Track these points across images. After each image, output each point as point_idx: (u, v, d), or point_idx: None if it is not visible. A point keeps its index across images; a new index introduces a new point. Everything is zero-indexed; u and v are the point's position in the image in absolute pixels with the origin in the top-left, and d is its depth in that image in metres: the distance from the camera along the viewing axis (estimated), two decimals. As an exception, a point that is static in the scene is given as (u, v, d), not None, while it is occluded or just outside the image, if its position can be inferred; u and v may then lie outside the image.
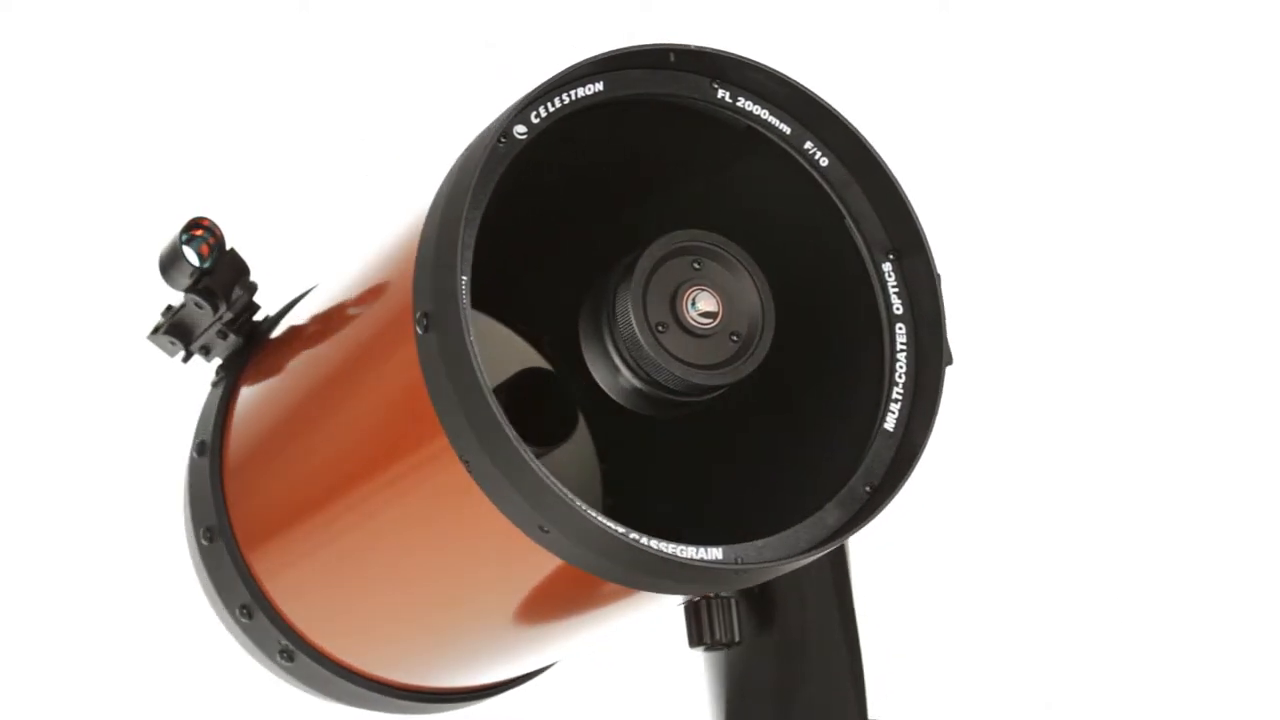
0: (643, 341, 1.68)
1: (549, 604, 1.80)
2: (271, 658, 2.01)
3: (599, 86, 1.70)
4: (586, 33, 3.33)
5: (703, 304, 1.71)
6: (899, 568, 3.00)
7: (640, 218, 1.81)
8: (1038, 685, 3.16)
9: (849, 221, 1.80)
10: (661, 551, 1.63)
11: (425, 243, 1.65)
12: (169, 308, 2.04)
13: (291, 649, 1.99)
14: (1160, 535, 3.19)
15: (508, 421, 1.57)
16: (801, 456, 1.82)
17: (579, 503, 1.58)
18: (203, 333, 2.02)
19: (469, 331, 1.58)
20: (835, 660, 1.87)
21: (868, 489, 1.73)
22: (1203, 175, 3.27)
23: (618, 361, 1.71)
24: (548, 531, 1.62)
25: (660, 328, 1.69)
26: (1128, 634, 3.16)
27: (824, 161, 1.79)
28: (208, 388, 2.10)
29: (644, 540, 1.62)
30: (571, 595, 1.76)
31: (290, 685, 2.06)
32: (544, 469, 1.58)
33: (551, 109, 1.68)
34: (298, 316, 2.01)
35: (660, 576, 1.67)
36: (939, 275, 1.76)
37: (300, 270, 2.14)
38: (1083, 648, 3.17)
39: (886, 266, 1.79)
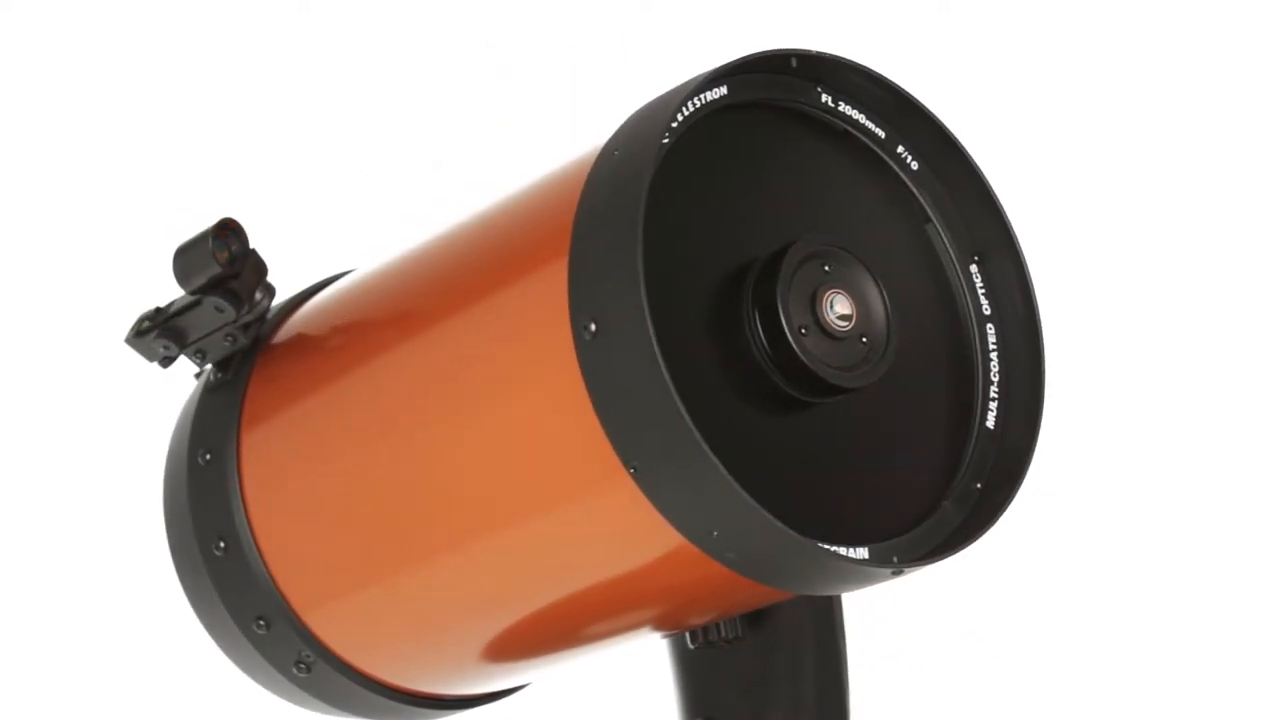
0: (795, 345, 1.67)
1: (665, 604, 1.78)
2: (283, 669, 1.95)
3: (723, 91, 1.71)
4: (587, 33, 3.33)
5: (840, 307, 1.71)
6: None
7: (741, 223, 1.79)
8: (1032, 663, 3.17)
9: (936, 224, 1.83)
10: (830, 553, 1.63)
11: (585, 251, 1.63)
12: (157, 309, 1.99)
13: (311, 659, 1.93)
14: (1154, 520, 3.20)
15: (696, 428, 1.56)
16: (901, 455, 1.81)
17: (767, 513, 1.58)
18: (206, 335, 1.96)
19: (655, 340, 1.57)
20: (822, 655, 1.85)
21: (978, 486, 1.77)
22: (1207, 175, 3.27)
23: (762, 363, 1.69)
24: (716, 535, 1.61)
25: (803, 330, 1.69)
26: (1121, 609, 3.17)
27: (915, 165, 1.83)
28: (198, 392, 2.02)
29: (822, 545, 1.62)
30: (696, 595, 1.75)
31: (292, 697, 1.99)
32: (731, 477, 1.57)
33: (686, 113, 1.68)
34: (331, 318, 1.97)
35: (818, 577, 1.67)
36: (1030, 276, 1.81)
37: (298, 270, 2.13)
38: (1076, 621, 3.18)
39: (973, 268, 1.83)
